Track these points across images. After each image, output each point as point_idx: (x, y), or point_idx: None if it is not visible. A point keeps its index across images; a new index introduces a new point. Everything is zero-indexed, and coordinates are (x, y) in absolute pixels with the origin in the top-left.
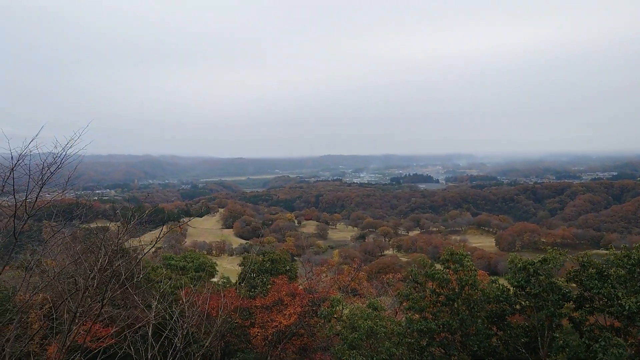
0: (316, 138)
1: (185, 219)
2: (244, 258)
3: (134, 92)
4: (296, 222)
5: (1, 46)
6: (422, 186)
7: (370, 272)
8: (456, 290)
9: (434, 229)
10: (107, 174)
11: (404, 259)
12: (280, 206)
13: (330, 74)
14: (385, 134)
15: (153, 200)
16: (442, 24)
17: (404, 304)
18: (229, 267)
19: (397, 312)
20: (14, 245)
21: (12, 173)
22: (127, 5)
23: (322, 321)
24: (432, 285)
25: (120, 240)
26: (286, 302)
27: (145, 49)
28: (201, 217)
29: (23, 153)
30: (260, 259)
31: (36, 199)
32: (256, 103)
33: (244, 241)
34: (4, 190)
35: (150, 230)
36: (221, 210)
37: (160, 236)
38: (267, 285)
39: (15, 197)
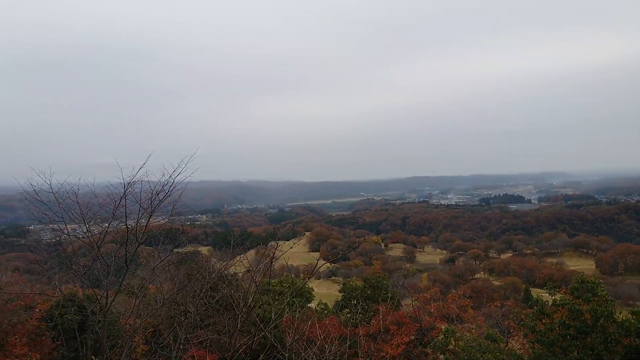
0: (401, 160)
1: (273, 243)
2: (343, 284)
3: (226, 121)
4: (382, 245)
5: (112, 83)
6: (513, 207)
7: (463, 297)
8: (589, 322)
9: (528, 251)
10: (198, 199)
11: (496, 283)
12: (366, 229)
13: (411, 96)
14: (472, 154)
15: (242, 225)
16: (531, 38)
17: (529, 336)
18: (320, 292)
19: (507, 344)
20: (125, 272)
21: (122, 200)
22: (215, 40)
23: (430, 352)
24: (561, 316)
25: (224, 267)
26: (393, 331)
27: (234, 80)
28: (288, 240)
29: (132, 181)
30: (361, 285)
31: (146, 225)
32: (339, 127)
33: (330, 265)
34: (115, 216)
35: (240, 254)
36: (307, 233)
37: (263, 262)
38: (370, 312)
39: (127, 223)
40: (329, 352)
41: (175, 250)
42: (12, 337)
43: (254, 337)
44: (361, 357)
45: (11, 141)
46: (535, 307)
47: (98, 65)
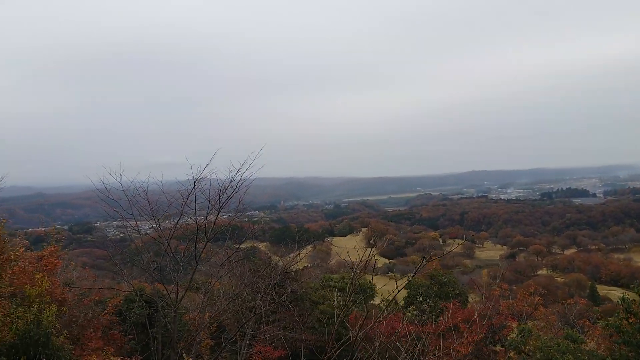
0: (458, 154)
1: (329, 239)
2: (409, 281)
3: (283, 117)
4: (440, 240)
5: (179, 82)
6: (577, 201)
7: (534, 294)
8: None
9: (593, 246)
10: (255, 196)
11: (560, 280)
12: (424, 224)
13: (465, 87)
14: (533, 147)
15: (299, 221)
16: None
17: (614, 337)
18: (378, 288)
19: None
20: (195, 268)
21: (191, 196)
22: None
23: (499, 350)
24: None
25: (289, 264)
26: (462, 329)
27: (297, 77)
28: (344, 236)
29: (199, 178)
30: (427, 282)
31: (214, 221)
32: (395, 122)
33: (387, 260)
34: (183, 212)
35: (299, 250)
36: (364, 229)
37: (321, 258)
38: (437, 309)
39: (197, 220)
40: (399, 351)
41: (236, 246)
42: (88, 331)
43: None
44: (430, 355)
45: (81, 140)
46: (622, 306)
47: (173, 61)
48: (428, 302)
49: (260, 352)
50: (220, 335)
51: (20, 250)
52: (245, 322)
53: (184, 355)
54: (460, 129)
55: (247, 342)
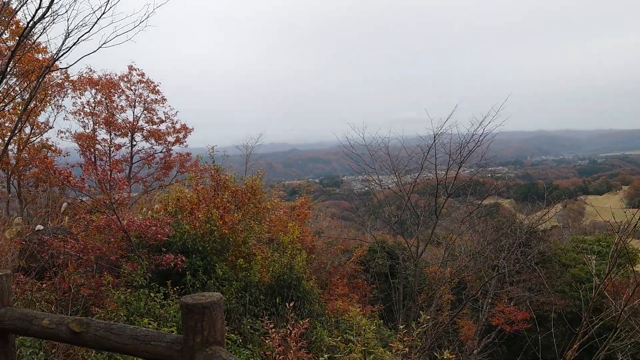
0: None
1: (582, 197)
2: None
3: (529, 66)
4: None
5: (414, 37)
6: None
7: None
8: None
9: None
10: (498, 151)
11: None
12: None
13: None
14: None
15: (547, 177)
16: None
17: None
18: None
19: None
20: (435, 223)
21: (431, 151)
22: None
23: None
24: None
25: (537, 222)
26: None
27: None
28: (601, 195)
29: (440, 132)
30: None
31: (455, 176)
32: None
33: None
34: (423, 167)
35: (546, 208)
36: (625, 187)
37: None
38: None
39: (437, 174)
40: None
41: (477, 202)
42: (335, 278)
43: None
44: None
45: (329, 100)
46: None
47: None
48: None
49: (502, 312)
50: (461, 291)
51: (276, 201)
52: (488, 281)
53: (420, 311)
54: None
55: (489, 300)
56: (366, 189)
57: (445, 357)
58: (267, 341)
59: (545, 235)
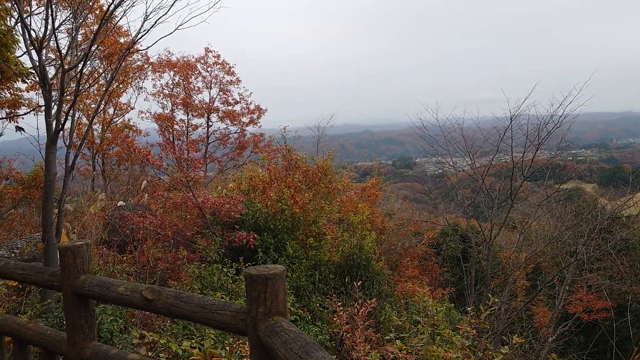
0: None
1: None
2: None
3: (617, 42)
4: None
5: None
6: None
7: None
8: None
9: None
10: (581, 133)
11: None
12: None
13: None
14: None
15: (634, 161)
16: None
17: None
18: None
19: None
20: (510, 207)
21: (507, 132)
22: None
23: None
24: None
25: (621, 208)
26: None
27: None
28: None
29: (517, 113)
30: None
31: (532, 159)
32: None
33: None
34: (499, 149)
35: (631, 193)
36: None
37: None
38: None
39: (513, 157)
40: None
41: (556, 186)
42: (405, 260)
43: None
44: None
45: (402, 80)
46: None
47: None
48: None
49: (580, 300)
50: (536, 277)
51: (347, 181)
52: (565, 267)
53: (490, 295)
54: None
55: (567, 287)
56: (440, 171)
57: (514, 342)
58: (335, 319)
59: (629, 221)
